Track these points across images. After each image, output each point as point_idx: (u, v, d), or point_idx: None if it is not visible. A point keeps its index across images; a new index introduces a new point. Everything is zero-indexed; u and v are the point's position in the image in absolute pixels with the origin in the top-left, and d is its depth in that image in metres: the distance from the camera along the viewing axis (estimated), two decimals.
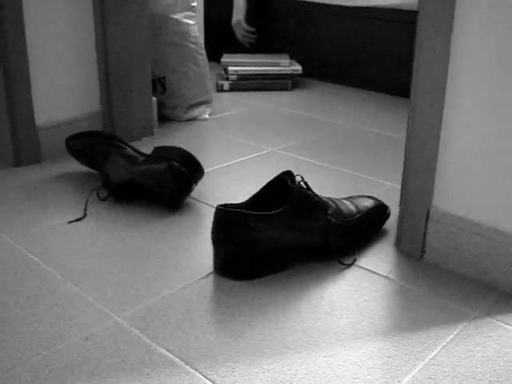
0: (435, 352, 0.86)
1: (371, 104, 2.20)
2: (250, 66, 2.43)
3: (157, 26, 1.85)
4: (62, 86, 1.62)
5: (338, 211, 1.11)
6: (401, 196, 1.13)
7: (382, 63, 2.35)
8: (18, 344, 0.86)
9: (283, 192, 1.08)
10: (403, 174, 1.12)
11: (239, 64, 2.44)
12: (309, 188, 1.09)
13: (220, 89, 2.40)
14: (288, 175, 1.08)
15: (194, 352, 0.85)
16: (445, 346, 0.87)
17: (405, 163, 1.12)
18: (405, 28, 2.24)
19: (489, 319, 0.94)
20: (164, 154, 1.32)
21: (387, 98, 2.27)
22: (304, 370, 0.82)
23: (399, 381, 0.80)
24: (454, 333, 0.90)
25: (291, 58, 2.55)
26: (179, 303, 0.96)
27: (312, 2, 2.51)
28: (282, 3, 2.62)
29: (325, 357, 0.85)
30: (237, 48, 2.70)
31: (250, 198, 1.09)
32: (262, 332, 0.90)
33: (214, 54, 2.48)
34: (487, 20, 0.93)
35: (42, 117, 1.59)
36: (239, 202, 1.10)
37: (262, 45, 2.70)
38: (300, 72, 2.46)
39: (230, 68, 2.42)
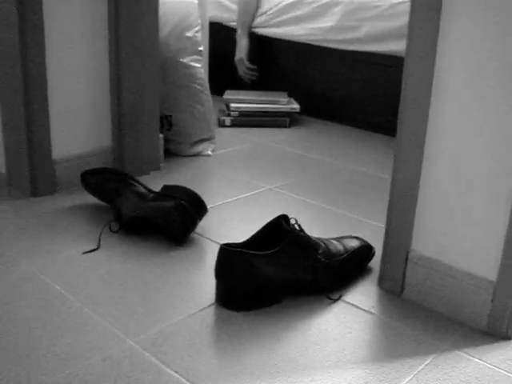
0: (407, 379, 0.99)
1: (365, 144, 2.34)
2: (250, 104, 2.58)
3: (167, 68, 2.00)
4: (77, 123, 1.76)
5: (327, 251, 1.25)
6: (384, 239, 1.27)
7: (377, 105, 2.49)
8: (45, 363, 0.99)
9: (279, 233, 1.22)
10: (387, 219, 1.26)
11: (241, 101, 2.58)
12: (301, 230, 1.22)
13: (222, 124, 2.54)
14: (283, 218, 1.22)
15: (199, 374, 0.98)
16: (416, 374, 1.01)
17: (388, 209, 1.25)
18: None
19: (457, 352, 1.07)
20: (172, 192, 1.46)
21: (382, 138, 2.40)
22: None
23: None
24: (425, 363, 1.04)
25: (290, 95, 2.69)
26: (185, 330, 1.09)
27: (311, 45, 2.66)
28: (283, 44, 2.78)
29: (311, 381, 0.98)
30: (238, 83, 2.85)
31: (250, 238, 1.22)
32: (257, 358, 1.03)
33: (217, 88, 2.63)
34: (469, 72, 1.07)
35: (58, 151, 1.73)
36: (239, 237, 1.23)
37: (262, 82, 2.86)
38: (297, 110, 2.60)
39: (232, 105, 2.56)
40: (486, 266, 1.11)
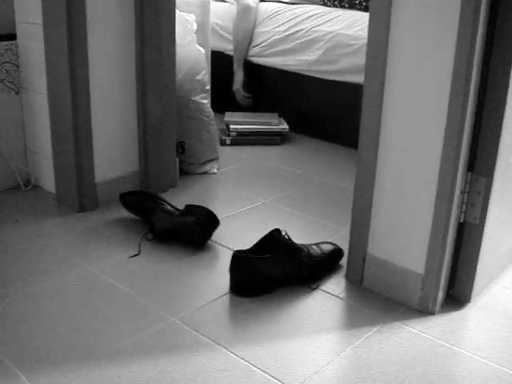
0: (360, 340, 1.49)
1: (346, 160, 2.81)
2: (246, 125, 3.07)
3: (181, 104, 2.48)
4: (112, 154, 2.24)
5: (309, 254, 1.74)
6: (349, 245, 1.76)
7: (355, 124, 2.95)
8: (117, 333, 1.48)
9: (274, 241, 1.70)
10: (350, 232, 1.75)
11: (238, 123, 3.07)
12: (290, 239, 1.71)
13: (223, 143, 3.03)
14: (277, 230, 1.71)
15: (223, 338, 1.47)
16: (367, 337, 1.50)
17: (351, 224, 1.74)
18: None
19: (396, 323, 1.57)
20: (192, 210, 1.95)
21: None
22: (276, 348, 1.45)
23: (338, 355, 1.43)
24: (374, 330, 1.53)
25: (280, 116, 3.18)
26: (210, 310, 1.59)
27: (299, 73, 3.14)
28: (275, 71, 3.25)
29: (296, 343, 1.47)
30: (237, 106, 3.36)
31: (253, 245, 1.71)
32: (260, 328, 1.52)
33: (219, 107, 3.13)
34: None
35: (98, 176, 2.21)
36: (244, 243, 1.74)
37: (256, 104, 3.35)
38: (287, 130, 3.10)
39: (231, 126, 3.05)
40: (417, 264, 1.60)
